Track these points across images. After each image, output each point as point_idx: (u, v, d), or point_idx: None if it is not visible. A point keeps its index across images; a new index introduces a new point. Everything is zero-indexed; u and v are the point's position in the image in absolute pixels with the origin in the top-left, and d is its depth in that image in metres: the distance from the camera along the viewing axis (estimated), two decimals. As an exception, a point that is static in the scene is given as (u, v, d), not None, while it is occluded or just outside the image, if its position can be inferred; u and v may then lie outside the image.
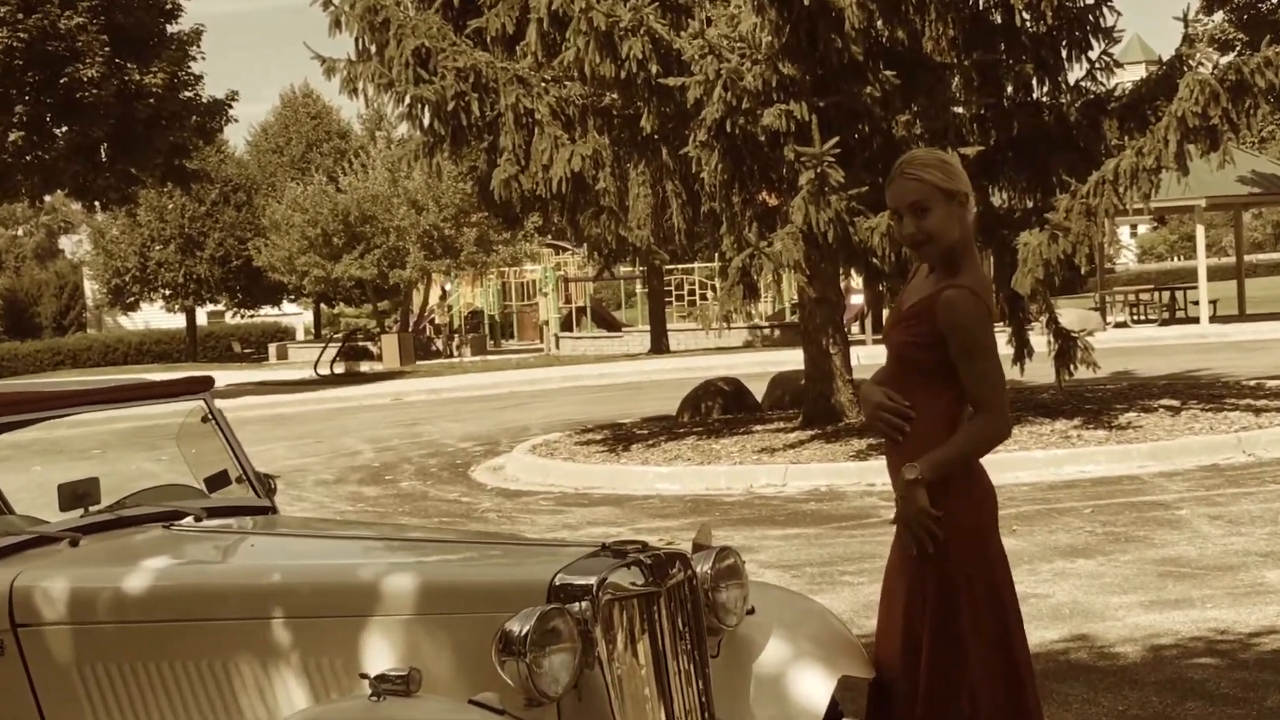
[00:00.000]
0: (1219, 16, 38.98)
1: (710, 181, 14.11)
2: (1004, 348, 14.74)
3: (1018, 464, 12.96)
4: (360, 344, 43.99)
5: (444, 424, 22.63)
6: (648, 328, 40.30)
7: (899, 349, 4.45)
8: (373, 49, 15.24)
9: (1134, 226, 78.73)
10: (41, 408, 5.38)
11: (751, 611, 4.48)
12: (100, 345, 56.13)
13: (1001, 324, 14.45)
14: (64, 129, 31.41)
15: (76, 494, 5.24)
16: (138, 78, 30.85)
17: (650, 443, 16.06)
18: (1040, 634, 7.29)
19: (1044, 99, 15.47)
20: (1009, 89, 15.29)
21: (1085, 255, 13.59)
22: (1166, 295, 37.60)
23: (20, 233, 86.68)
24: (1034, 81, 15.29)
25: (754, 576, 4.66)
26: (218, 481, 5.49)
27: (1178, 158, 13.33)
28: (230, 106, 34.38)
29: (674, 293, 44.07)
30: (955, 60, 14.42)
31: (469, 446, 18.89)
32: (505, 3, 15.18)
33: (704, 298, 41.91)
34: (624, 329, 43.95)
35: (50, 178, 32.53)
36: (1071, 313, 27.47)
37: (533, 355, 41.52)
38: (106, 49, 30.18)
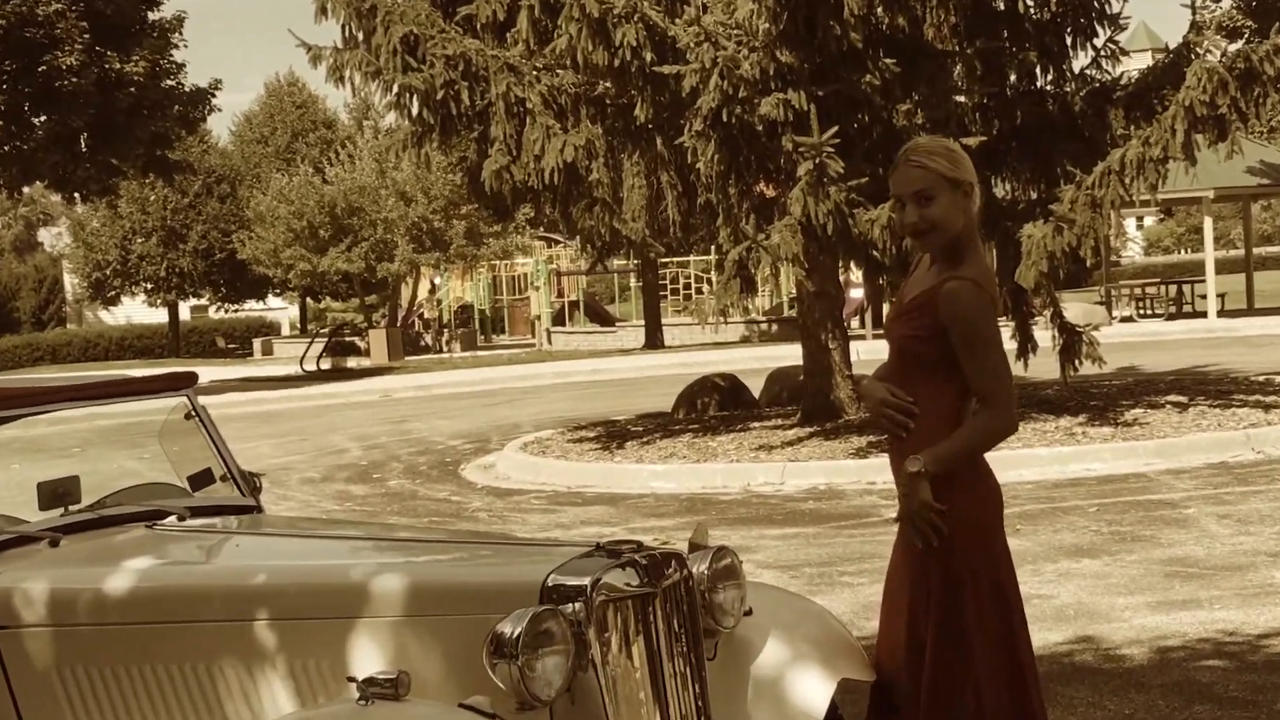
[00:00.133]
0: (1227, 3, 38.97)
1: (706, 172, 14.11)
2: (1007, 343, 14.69)
3: (1021, 461, 12.97)
4: (347, 339, 43.97)
5: (433, 421, 22.63)
6: (642, 322, 40.29)
7: (901, 343, 4.46)
8: (360, 36, 15.23)
9: (1140, 218, 78.74)
10: (20, 404, 5.37)
11: (749, 613, 4.48)
12: (80, 341, 56.05)
13: (1005, 318, 14.45)
14: (42, 118, 31.36)
15: (56, 493, 5.24)
16: (118, 66, 30.79)
17: (645, 440, 16.07)
18: (1044, 635, 7.30)
19: (1048, 87, 15.47)
20: (1012, 77, 15.29)
21: (1090, 248, 13.59)
22: (1173, 289, 37.64)
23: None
24: (1038, 69, 15.29)
25: (751, 577, 4.66)
26: (201, 480, 5.49)
27: (1185, 148, 13.33)
28: (213, 95, 34.33)
29: (669, 286, 44.05)
30: (957, 48, 14.41)
31: (459, 444, 18.89)
32: (496, -11, 15.17)
33: (700, 291, 41.88)
34: (618, 324, 43.94)
35: (29, 168, 32.48)
36: (1076, 307, 27.49)
37: (524, 351, 41.52)
38: (86, 36, 30.12)
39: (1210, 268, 34.01)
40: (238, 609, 4.25)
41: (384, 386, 30.99)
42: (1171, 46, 15.48)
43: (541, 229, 45.18)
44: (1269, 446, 13.48)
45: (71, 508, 5.19)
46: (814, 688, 4.39)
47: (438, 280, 49.53)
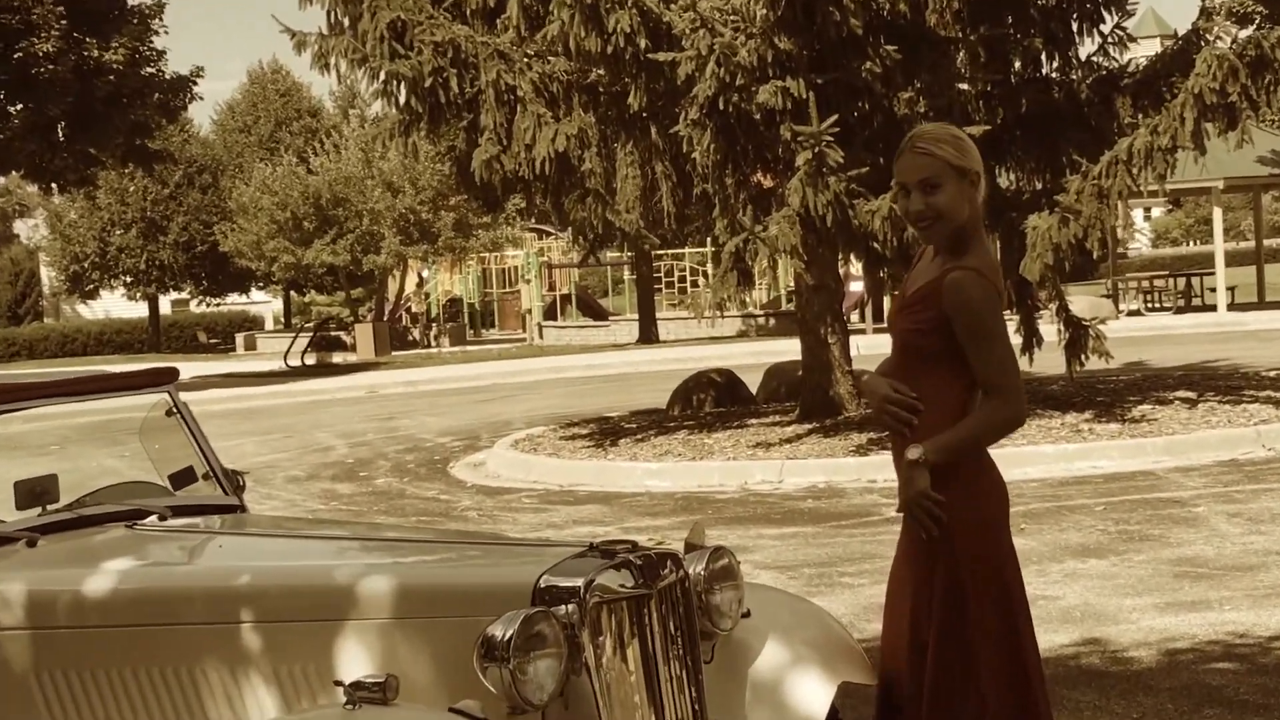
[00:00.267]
0: (1237, -12, 39.01)
1: (702, 162, 14.11)
2: (1012, 337, 14.73)
3: (1026, 459, 12.98)
4: (333, 334, 43.97)
5: (421, 418, 22.63)
6: (636, 316, 40.30)
7: (904, 337, 4.46)
8: (345, 22, 15.22)
9: (1148, 209, 78.79)
10: (-4, 401, 5.37)
11: (747, 614, 4.49)
12: (58, 335, 56.00)
13: (1009, 312, 14.45)
14: (18, 106, 31.33)
15: (34, 492, 5.23)
16: (97, 53, 30.77)
17: (639, 437, 16.07)
18: (1050, 637, 7.30)
19: (1054, 75, 15.48)
20: (1017, 64, 15.30)
21: (1097, 239, 13.60)
22: (1182, 282, 37.67)
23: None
24: (1043, 57, 15.30)
25: (749, 578, 4.66)
26: (183, 479, 5.48)
27: (1194, 137, 13.34)
28: (195, 83, 34.32)
29: (664, 279, 44.07)
30: (960, 34, 14.42)
31: (448, 441, 18.89)
32: (486, -27, 15.17)
33: (695, 285, 41.92)
34: (611, 318, 43.97)
35: (4, 158, 32.46)
36: (1083, 300, 27.50)
37: (515, 345, 41.52)
38: (63, 22, 30.09)
39: (1220, 260, 34.04)
40: (221, 611, 4.25)
41: (370, 382, 30.97)
42: (1180, 33, 15.50)
43: (532, 220, 45.16)
44: (1280, 443, 13.52)
45: (49, 507, 5.18)
46: (813, 691, 4.39)
47: (425, 273, 49.51)
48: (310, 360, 38.97)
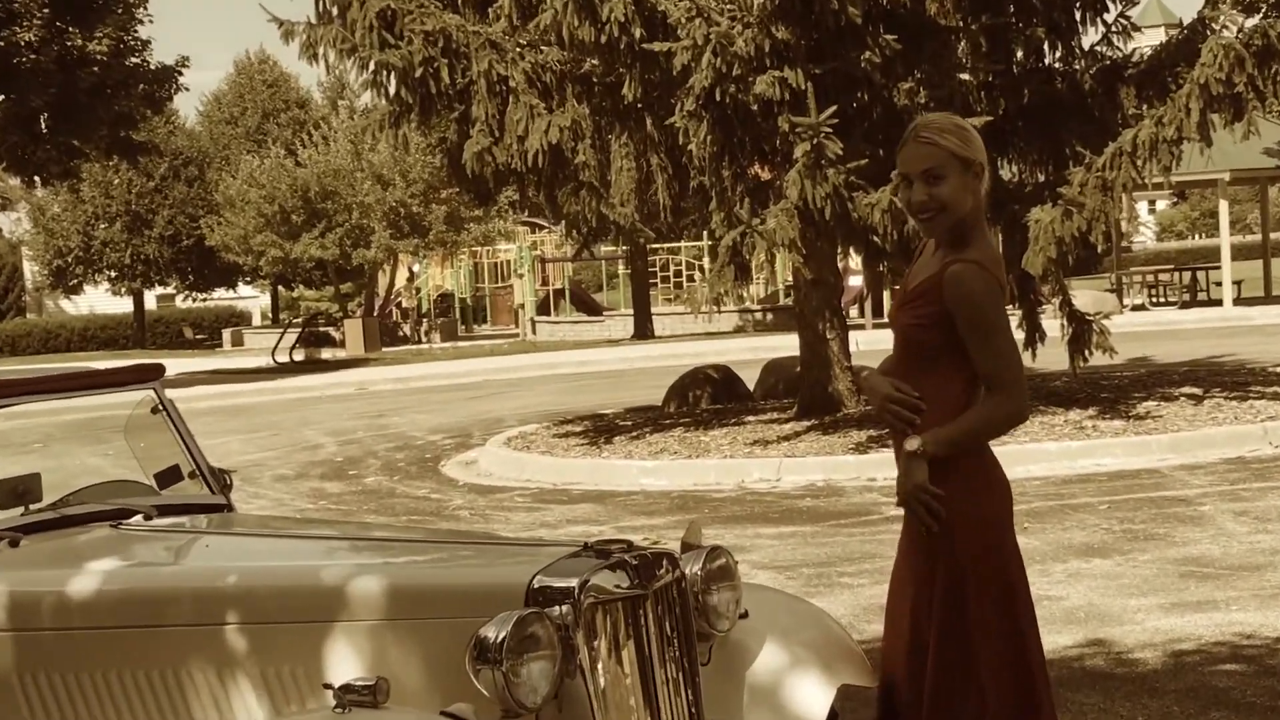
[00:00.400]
0: (1244, -24, 39.04)
1: (698, 154, 14.10)
2: (1015, 332, 14.75)
3: (1029, 456, 12.99)
4: (321, 329, 43.94)
5: (412, 415, 22.62)
6: (631, 311, 40.30)
7: (905, 332, 4.45)
8: (334, 11, 15.19)
9: (1153, 202, 78.87)
10: (-22, 398, 5.36)
11: (744, 615, 4.49)
12: (41, 331, 55.96)
13: (1012, 306, 14.45)
14: (0, 98, 31.26)
15: (16, 491, 5.23)
16: (80, 42, 30.73)
17: (634, 435, 16.07)
18: (1053, 639, 7.31)
19: (1056, 65, 15.48)
20: (1019, 54, 15.30)
21: (1101, 233, 13.62)
22: (1187, 276, 37.72)
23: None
24: (1046, 46, 15.30)
25: (747, 578, 4.67)
26: (169, 477, 5.48)
27: (1200, 128, 13.34)
28: (180, 73, 34.29)
29: (659, 274, 44.08)
30: (961, 23, 14.41)
31: (439, 439, 18.89)
32: (477, -39, 15.17)
33: (691, 279, 41.92)
34: (605, 313, 43.95)
35: (-14, 150, 32.43)
36: (1086, 294, 27.52)
37: (507, 341, 41.52)
38: (46, 11, 30.06)
39: (1226, 253, 34.05)
40: (208, 612, 4.25)
41: (360, 379, 30.97)
42: (1186, 22, 15.50)
43: (525, 214, 45.06)
44: (1287, 441, 13.53)
45: (32, 506, 5.18)
46: (812, 694, 4.39)
47: (416, 267, 49.49)
48: (298, 356, 38.97)
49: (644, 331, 38.64)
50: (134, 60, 33.04)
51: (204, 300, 59.27)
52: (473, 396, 25.45)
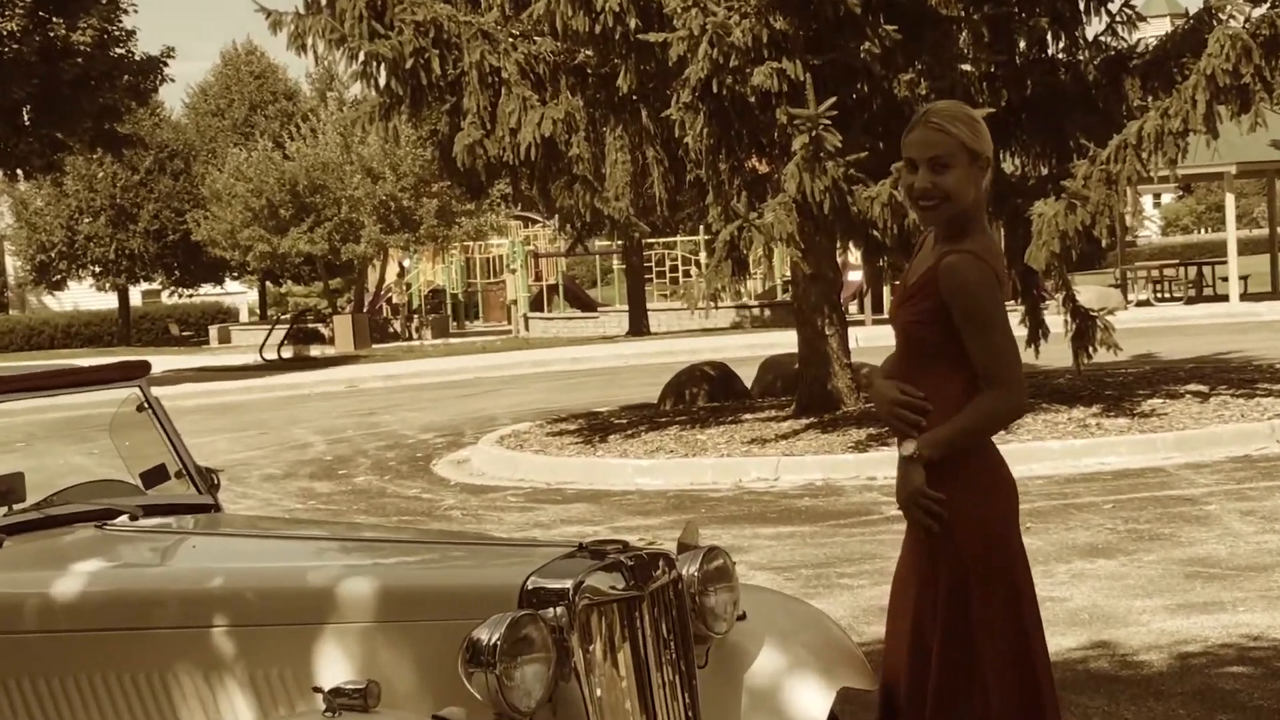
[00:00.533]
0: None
1: (695, 147, 14.10)
2: (1017, 328, 14.72)
3: (1032, 455, 12.99)
4: (310, 326, 43.93)
5: (403, 413, 22.62)
6: (626, 308, 40.32)
7: (905, 329, 4.44)
8: (323, 0, 15.19)
9: (1158, 195, 78.94)
10: (-40, 396, 5.36)
11: (742, 617, 4.49)
12: (23, 328, 55.91)
13: (1014, 302, 14.47)
14: (-19, 89, 31.25)
15: (-1, 491, 5.23)
16: (63, 33, 30.69)
17: (629, 433, 16.08)
18: (1057, 641, 7.31)
19: (1060, 56, 15.49)
20: (1022, 45, 15.31)
21: (1105, 227, 13.60)
22: (1193, 271, 37.71)
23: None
24: (1049, 37, 15.31)
25: (745, 579, 4.67)
26: (155, 477, 5.48)
27: (1206, 120, 13.34)
28: (166, 64, 34.24)
29: (654, 269, 44.08)
30: (963, 13, 14.42)
31: (430, 438, 18.89)
32: (469, -50, 15.17)
33: (688, 274, 41.91)
34: (600, 309, 43.95)
35: (-34, 143, 32.38)
36: (1090, 290, 27.55)
37: (500, 338, 41.52)
38: (28, 0, 30.00)
39: (1232, 248, 34.07)
40: (195, 614, 4.25)
41: (350, 376, 30.97)
42: (1192, 11, 15.50)
43: (518, 208, 45.11)
44: (1295, 439, 13.54)
45: (15, 507, 5.17)
46: (812, 697, 4.39)
47: (407, 263, 49.48)
48: (287, 354, 38.95)
49: (639, 328, 38.65)
50: (118, 51, 33.00)
51: (190, 296, 59.22)
52: (465, 394, 25.45)
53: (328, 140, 43.68)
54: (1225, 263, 34.64)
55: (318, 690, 3.77)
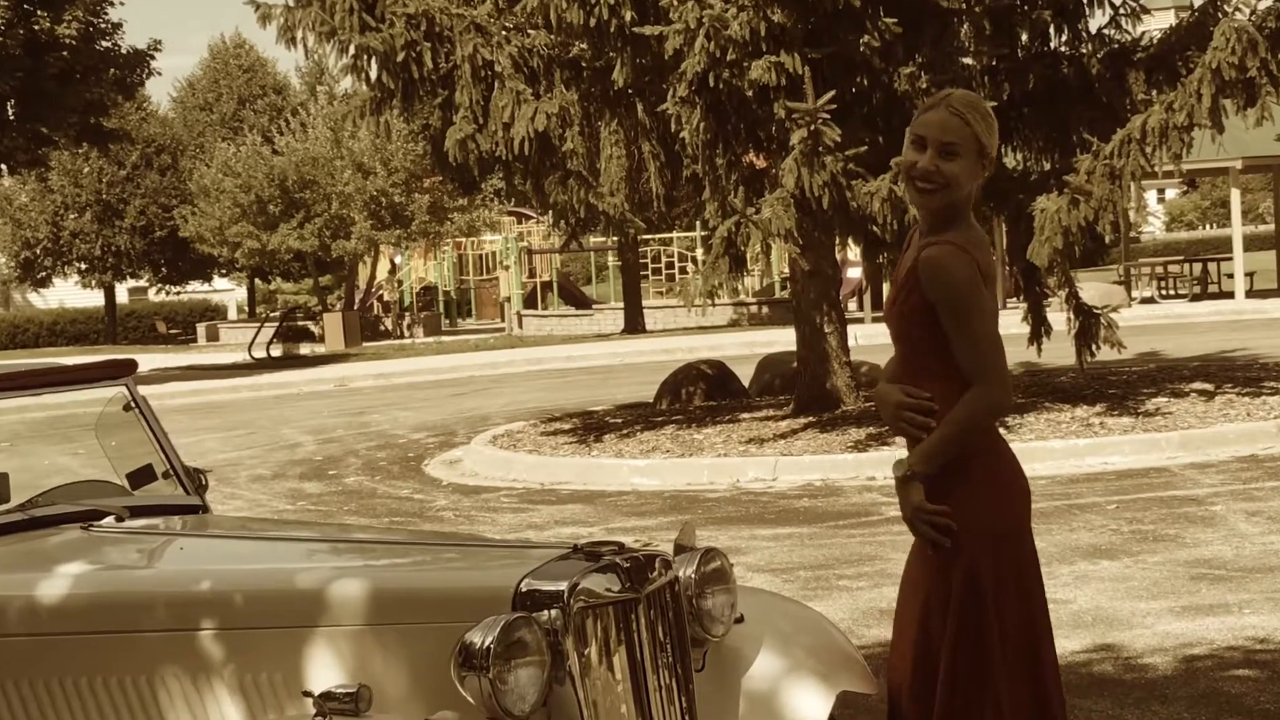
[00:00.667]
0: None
1: (691, 141, 14.09)
2: (1019, 326, 14.79)
3: (1034, 455, 12.98)
4: (300, 324, 43.92)
5: (394, 412, 22.62)
6: (621, 305, 40.32)
7: (897, 328, 4.44)
8: (313, -7, 15.19)
9: (1162, 191, 78.93)
10: (-57, 395, 5.35)
11: (740, 620, 4.49)
12: (8, 326, 55.91)
13: (1016, 299, 14.49)
14: (-36, 84, 31.23)
15: (-17, 492, 5.23)
16: (48, 26, 30.67)
17: (625, 433, 16.07)
18: (1060, 643, 7.26)
19: (1063, 49, 15.48)
20: (1024, 37, 15.30)
21: (1109, 223, 13.60)
22: (1198, 267, 37.73)
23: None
24: (1051, 29, 15.30)
25: (743, 581, 4.67)
26: (141, 477, 5.48)
27: (1211, 114, 13.34)
28: (153, 58, 34.24)
29: (650, 266, 44.09)
30: (964, 6, 14.41)
31: (422, 438, 18.89)
32: (461, -59, 15.15)
33: (684, 271, 41.93)
34: (595, 306, 43.96)
35: (-50, 138, 32.36)
36: (1093, 287, 27.54)
37: (493, 336, 41.51)
38: (13, -8, 30.02)
39: (1238, 244, 34.08)
40: (183, 617, 4.24)
41: (340, 375, 30.96)
42: (1197, 4, 15.50)
43: (511, 203, 45.15)
44: (1302, 438, 13.54)
45: (-1, 508, 5.18)
46: (811, 701, 4.39)
47: (398, 259, 49.49)
48: (276, 352, 38.94)
49: (635, 325, 38.65)
50: (104, 44, 33.00)
51: (178, 293, 59.22)
52: (457, 393, 25.45)
53: (318, 135, 43.68)
54: (1230, 259, 34.66)
55: (308, 694, 3.77)
